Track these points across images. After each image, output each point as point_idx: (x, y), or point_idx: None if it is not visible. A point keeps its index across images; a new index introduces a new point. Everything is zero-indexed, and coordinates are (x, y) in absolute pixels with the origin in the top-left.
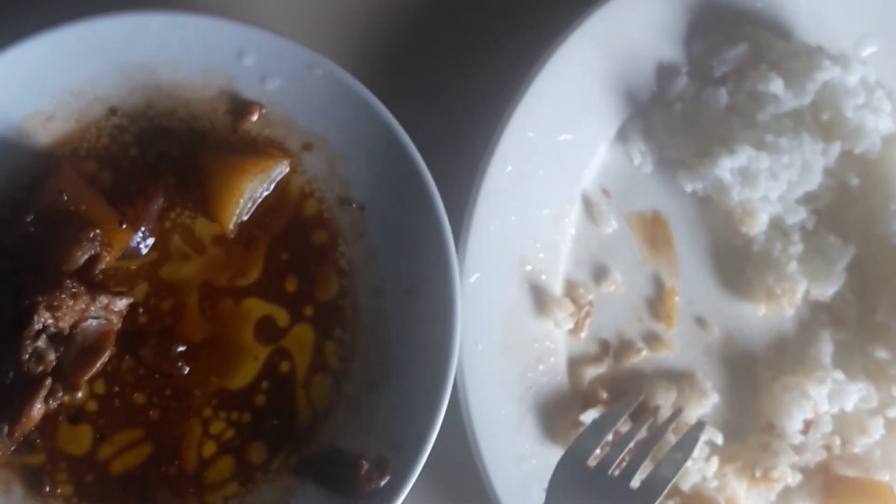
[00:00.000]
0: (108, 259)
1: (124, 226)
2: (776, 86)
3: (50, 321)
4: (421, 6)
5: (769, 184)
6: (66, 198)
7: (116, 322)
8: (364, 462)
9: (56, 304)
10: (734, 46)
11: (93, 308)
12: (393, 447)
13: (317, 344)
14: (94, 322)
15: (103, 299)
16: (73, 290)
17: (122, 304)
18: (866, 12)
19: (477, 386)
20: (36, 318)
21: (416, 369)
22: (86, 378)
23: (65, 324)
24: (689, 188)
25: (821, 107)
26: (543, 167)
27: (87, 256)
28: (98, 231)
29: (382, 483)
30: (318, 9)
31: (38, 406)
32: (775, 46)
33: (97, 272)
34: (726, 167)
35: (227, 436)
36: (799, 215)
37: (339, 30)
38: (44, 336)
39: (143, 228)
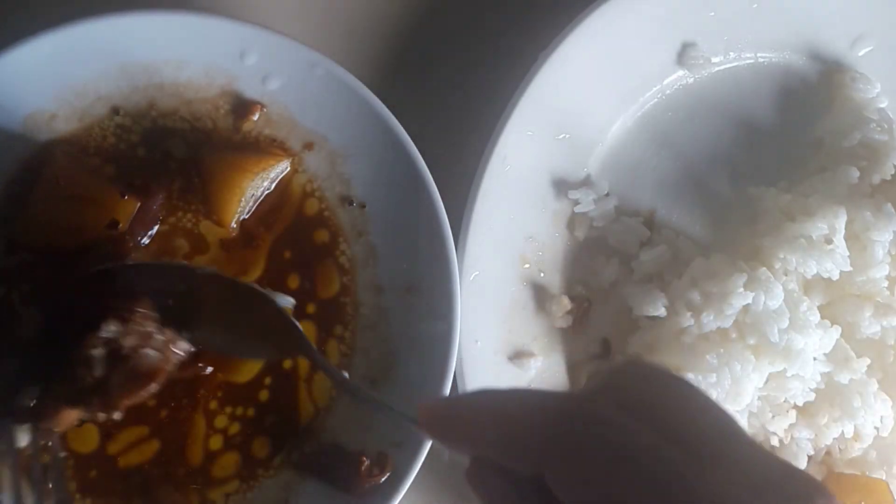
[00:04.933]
0: None
1: (126, 196)
2: (695, 307)
3: (115, 334)
4: (421, 6)
5: None
6: (63, 183)
7: (172, 363)
8: (364, 458)
9: (128, 316)
10: (653, 248)
11: (155, 337)
12: (393, 443)
13: (319, 341)
14: (150, 353)
15: (169, 333)
16: (147, 311)
17: (183, 346)
18: (861, 11)
19: (476, 383)
20: (104, 326)
21: (416, 366)
22: (128, 404)
23: (127, 342)
24: None
25: (745, 330)
26: (542, 166)
27: None
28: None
29: (382, 479)
30: (319, 9)
31: (75, 414)
32: (693, 262)
33: None
34: None
35: (232, 430)
36: None
37: (341, 30)
38: (102, 347)
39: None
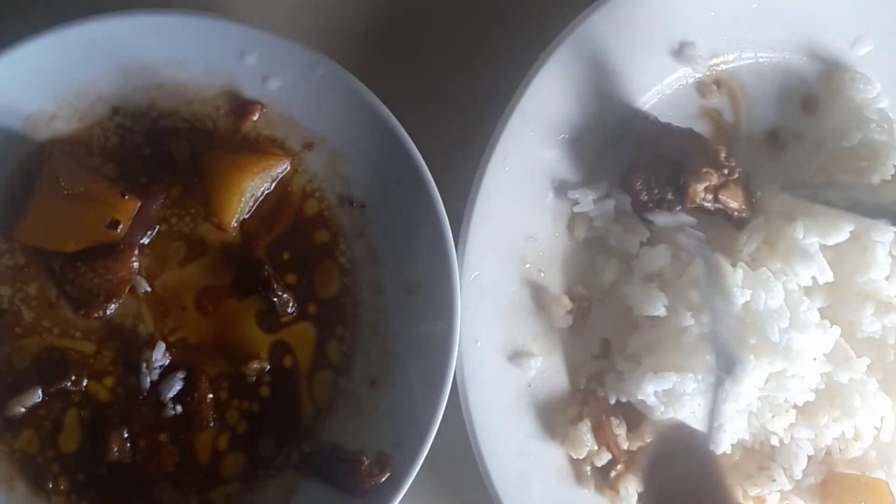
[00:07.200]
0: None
1: (127, 196)
2: (695, 307)
3: None
4: (422, 6)
5: (695, 402)
6: (62, 182)
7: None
8: (365, 458)
9: None
10: (653, 248)
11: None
12: (393, 443)
13: (319, 341)
14: None
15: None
16: None
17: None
18: (861, 11)
19: (476, 383)
20: None
21: (416, 366)
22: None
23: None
24: (612, 398)
25: (745, 330)
26: (542, 166)
27: None
28: None
29: (383, 479)
30: (319, 9)
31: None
32: (693, 262)
33: None
34: (650, 391)
35: (238, 430)
36: None
37: (340, 30)
38: None
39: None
